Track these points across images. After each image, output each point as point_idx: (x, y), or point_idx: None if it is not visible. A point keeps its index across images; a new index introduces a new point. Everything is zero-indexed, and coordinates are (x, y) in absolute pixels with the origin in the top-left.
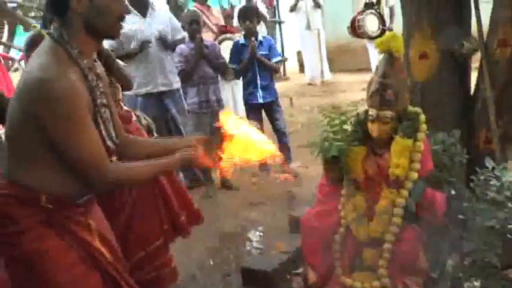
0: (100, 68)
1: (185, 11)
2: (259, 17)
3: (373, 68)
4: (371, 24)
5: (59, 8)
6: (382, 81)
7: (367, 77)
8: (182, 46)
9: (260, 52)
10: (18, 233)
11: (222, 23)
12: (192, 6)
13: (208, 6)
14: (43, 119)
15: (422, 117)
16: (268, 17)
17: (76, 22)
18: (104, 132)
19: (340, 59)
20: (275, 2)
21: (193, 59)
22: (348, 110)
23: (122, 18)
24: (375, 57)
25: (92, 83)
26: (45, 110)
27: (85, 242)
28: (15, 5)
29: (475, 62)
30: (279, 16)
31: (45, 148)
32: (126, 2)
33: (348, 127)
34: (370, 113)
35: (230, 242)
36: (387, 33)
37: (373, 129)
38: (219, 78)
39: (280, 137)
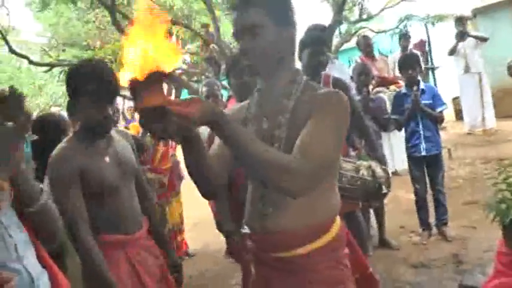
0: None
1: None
2: (420, 64)
3: None
4: None
5: None
6: None
7: None
8: None
9: (423, 101)
10: None
11: (386, 72)
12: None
13: (373, 57)
14: None
15: None
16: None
17: None
18: None
19: (503, 103)
20: (427, 48)
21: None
22: None
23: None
24: None
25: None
26: None
27: None
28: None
29: None
30: (432, 62)
31: None
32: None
33: None
34: None
35: None
36: None
37: None
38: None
39: (438, 195)
